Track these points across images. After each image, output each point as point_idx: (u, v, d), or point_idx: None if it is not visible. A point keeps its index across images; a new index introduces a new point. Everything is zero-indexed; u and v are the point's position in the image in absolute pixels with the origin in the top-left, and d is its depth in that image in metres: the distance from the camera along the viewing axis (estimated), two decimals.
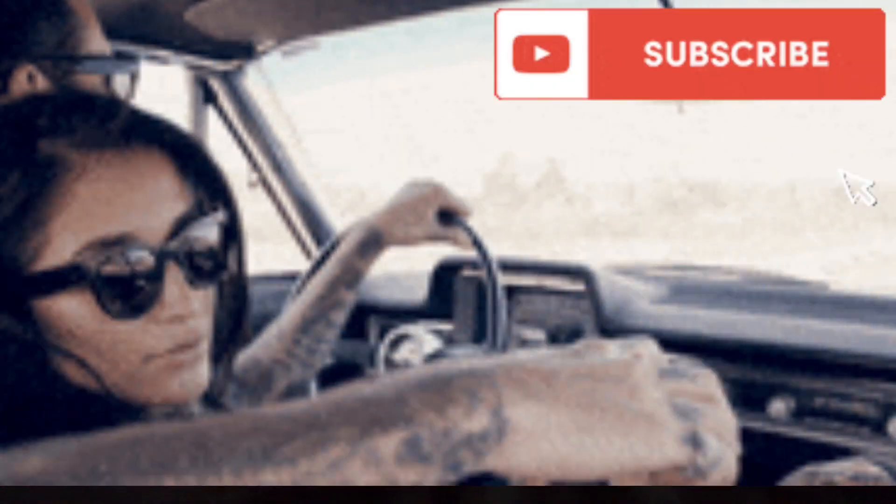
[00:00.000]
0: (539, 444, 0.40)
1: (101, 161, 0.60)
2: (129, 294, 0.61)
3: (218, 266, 0.67)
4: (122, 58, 1.04)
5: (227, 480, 0.36)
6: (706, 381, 0.46)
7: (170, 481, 0.35)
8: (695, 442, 0.43)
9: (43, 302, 0.60)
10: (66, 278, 0.59)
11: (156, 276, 0.61)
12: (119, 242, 0.60)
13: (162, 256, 0.62)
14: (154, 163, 0.63)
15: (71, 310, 0.60)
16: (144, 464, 0.36)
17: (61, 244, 0.59)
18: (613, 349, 0.46)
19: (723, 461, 0.44)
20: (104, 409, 0.62)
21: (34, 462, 0.37)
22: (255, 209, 2.10)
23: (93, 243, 0.59)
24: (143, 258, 0.61)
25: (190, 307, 0.63)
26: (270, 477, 0.36)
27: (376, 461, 0.37)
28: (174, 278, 0.62)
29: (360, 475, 0.37)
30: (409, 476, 0.38)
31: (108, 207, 0.60)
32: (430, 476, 0.38)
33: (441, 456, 0.38)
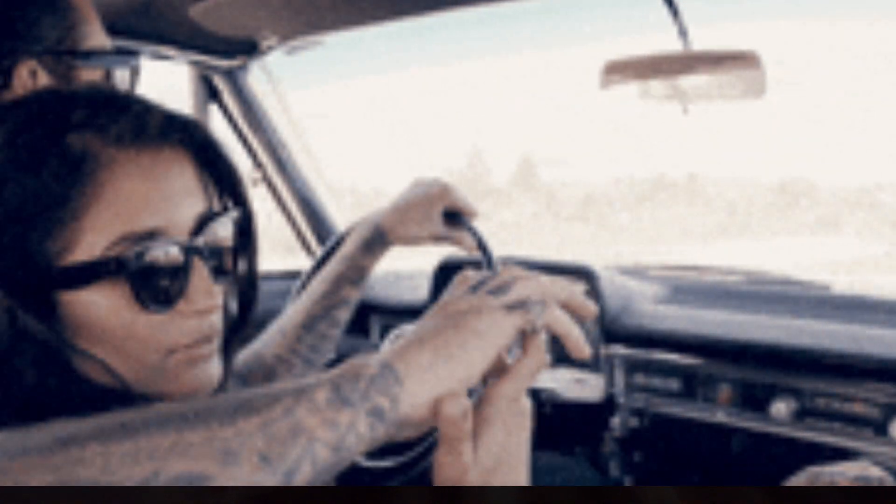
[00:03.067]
0: (425, 374, 0.52)
1: (133, 157, 0.62)
2: (159, 287, 0.62)
3: (233, 263, 0.69)
4: (123, 53, 1.04)
5: (214, 428, 0.46)
6: (505, 270, 0.60)
7: (172, 432, 0.45)
8: (512, 307, 0.56)
9: (71, 295, 0.61)
10: (101, 271, 0.60)
11: (184, 269, 0.63)
12: (150, 237, 0.61)
13: (189, 251, 0.64)
14: (180, 160, 0.65)
15: (97, 303, 0.61)
16: (150, 422, 0.46)
17: (93, 238, 0.60)
18: (457, 289, 0.60)
19: (547, 311, 0.58)
20: (122, 404, 0.63)
21: (55, 429, 0.45)
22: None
23: (126, 237, 0.60)
24: (173, 252, 0.63)
25: (214, 301, 0.65)
26: (243, 424, 0.47)
27: (315, 407, 0.49)
28: (199, 273, 0.64)
29: (307, 418, 0.48)
30: (343, 417, 0.49)
31: (139, 202, 0.61)
32: (359, 418, 0.50)
33: (359, 398, 0.50)
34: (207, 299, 0.64)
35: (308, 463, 0.48)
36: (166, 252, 0.62)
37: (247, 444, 0.46)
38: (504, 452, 0.57)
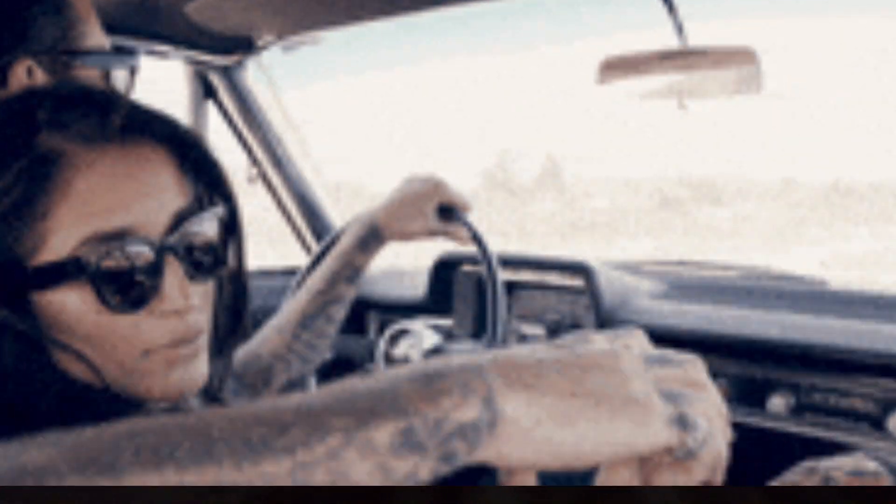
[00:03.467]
0: (530, 433, 0.40)
1: (101, 155, 0.60)
2: (128, 288, 0.61)
3: (217, 261, 0.67)
4: (121, 52, 1.04)
5: (227, 470, 0.36)
6: (693, 368, 0.48)
7: (170, 472, 0.36)
8: (682, 423, 0.43)
9: (43, 295, 0.60)
10: (66, 272, 0.59)
11: (155, 269, 0.62)
12: (119, 236, 0.60)
13: (161, 250, 0.62)
14: (153, 157, 0.63)
15: (70, 303, 0.60)
16: (145, 454, 0.36)
17: (61, 238, 0.59)
18: (601, 340, 0.47)
19: (711, 442, 0.45)
20: (103, 403, 0.62)
21: (33, 454, 0.37)
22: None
23: (93, 237, 0.59)
24: (143, 252, 0.61)
25: (189, 301, 0.63)
26: (269, 467, 0.36)
27: (372, 450, 0.38)
28: (173, 272, 0.63)
29: (356, 464, 0.38)
30: (404, 466, 0.38)
31: (108, 201, 0.60)
32: (424, 466, 0.39)
33: (435, 445, 0.39)
34: (182, 299, 0.63)
35: None
36: (134, 252, 0.60)
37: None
38: None
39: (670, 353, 0.48)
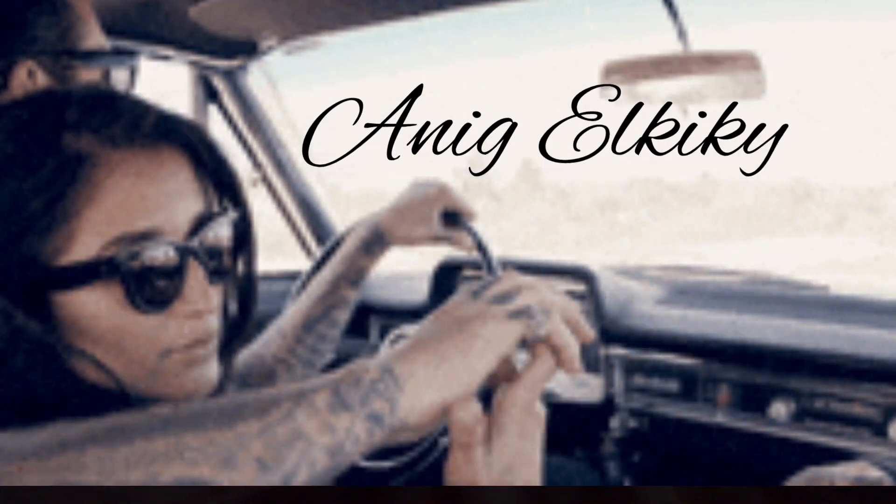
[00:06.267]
0: (424, 379, 0.52)
1: (128, 158, 0.61)
2: (153, 288, 0.62)
3: (231, 264, 0.69)
4: (121, 53, 1.04)
5: (213, 432, 0.46)
6: (507, 277, 0.60)
7: (171, 435, 0.45)
8: (516, 315, 0.56)
9: (65, 297, 0.61)
10: (94, 272, 0.60)
11: (178, 271, 0.63)
12: (144, 238, 0.61)
13: (184, 252, 0.63)
14: (176, 161, 0.64)
15: (93, 304, 0.61)
16: (148, 425, 0.46)
17: (88, 238, 0.60)
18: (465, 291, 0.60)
19: (549, 322, 0.57)
20: (118, 405, 0.62)
21: (53, 431, 0.45)
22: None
23: (121, 238, 0.60)
24: (168, 254, 0.62)
25: (210, 303, 0.65)
26: (242, 428, 0.47)
27: (314, 411, 0.49)
28: (195, 274, 0.64)
29: (306, 423, 0.49)
30: (342, 422, 0.49)
31: (135, 203, 0.61)
32: (358, 424, 0.50)
33: (359, 403, 0.50)
34: (203, 301, 0.64)
35: (305, 468, 0.48)
36: (161, 253, 0.62)
37: (245, 448, 0.46)
38: (517, 457, 0.56)
39: (490, 279, 0.61)
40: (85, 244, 0.60)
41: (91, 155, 0.60)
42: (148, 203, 0.61)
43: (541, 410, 0.58)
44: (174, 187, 0.63)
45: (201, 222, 0.65)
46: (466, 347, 0.54)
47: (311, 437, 0.48)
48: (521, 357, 0.59)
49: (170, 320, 0.63)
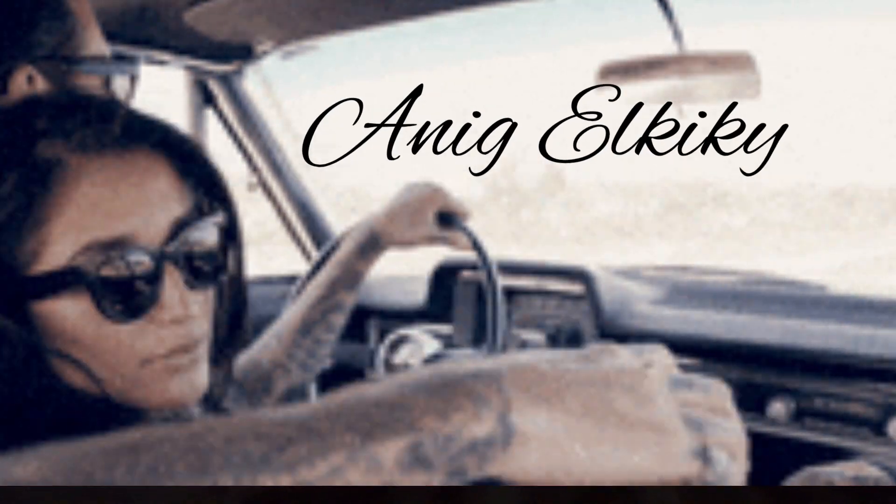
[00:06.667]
0: (546, 451, 0.39)
1: (100, 163, 0.60)
2: (127, 296, 0.60)
3: (217, 268, 0.67)
4: (122, 59, 1.04)
5: (224, 483, 0.35)
6: (718, 393, 0.46)
7: (164, 481, 0.35)
8: (704, 456, 0.42)
9: (41, 304, 0.60)
10: (64, 281, 0.59)
11: (154, 278, 0.61)
12: (117, 245, 0.60)
13: (160, 259, 0.61)
14: (152, 164, 0.63)
15: (69, 312, 0.60)
16: (141, 470, 0.35)
17: (60, 246, 0.59)
18: (624, 355, 0.45)
19: (730, 477, 0.43)
20: (103, 412, 0.62)
21: (30, 467, 0.36)
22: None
23: (91, 245, 0.59)
24: (142, 260, 0.61)
25: (188, 310, 0.63)
26: (269, 484, 0.35)
27: (377, 468, 0.36)
28: (173, 281, 0.62)
29: (360, 480, 0.36)
30: (411, 482, 0.37)
31: (107, 209, 0.59)
32: (433, 482, 0.38)
33: (444, 462, 0.37)
34: (182, 307, 0.62)
35: None
36: (133, 260, 0.60)
37: None
38: None
39: (695, 376, 0.46)
40: (56, 252, 0.59)
41: (61, 161, 0.59)
42: (118, 209, 0.59)
43: None
44: (150, 192, 0.61)
45: (181, 226, 0.63)
46: (619, 450, 0.40)
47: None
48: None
49: (148, 328, 0.62)
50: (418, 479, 0.37)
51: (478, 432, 0.38)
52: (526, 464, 0.38)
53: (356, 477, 0.36)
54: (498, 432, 0.38)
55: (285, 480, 0.35)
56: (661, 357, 0.46)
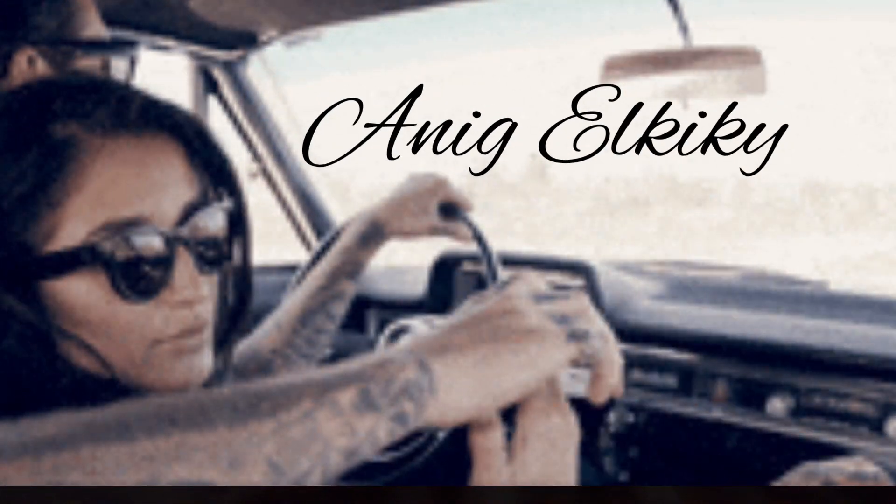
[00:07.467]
0: (460, 382, 0.48)
1: (115, 144, 0.61)
2: (140, 277, 0.61)
3: (224, 254, 0.68)
4: (122, 43, 1.04)
5: (221, 430, 0.42)
6: (576, 297, 0.56)
7: (174, 435, 0.41)
8: (576, 336, 0.53)
9: (53, 284, 0.60)
10: (80, 259, 0.59)
11: (167, 260, 0.62)
12: (132, 225, 0.60)
13: (173, 241, 0.63)
14: (166, 148, 0.64)
15: (81, 292, 0.60)
16: (150, 421, 0.41)
17: (74, 226, 0.59)
18: (492, 295, 0.55)
19: (605, 349, 0.54)
20: (109, 393, 0.62)
21: (49, 426, 0.41)
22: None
23: (106, 225, 0.60)
24: (155, 242, 0.62)
25: (199, 292, 0.64)
26: (255, 427, 0.43)
27: (338, 411, 0.45)
28: (184, 263, 0.63)
29: (326, 423, 0.44)
30: (364, 424, 0.45)
31: (122, 190, 0.60)
32: (381, 425, 0.46)
33: (387, 404, 0.46)
34: (192, 290, 0.63)
35: (319, 470, 0.44)
36: (147, 241, 0.61)
37: (257, 450, 0.42)
38: (547, 470, 0.53)
39: (557, 291, 0.56)
40: (71, 232, 0.59)
41: (77, 142, 0.60)
42: (134, 190, 0.60)
43: (574, 426, 0.55)
44: (163, 174, 0.62)
45: (191, 210, 0.64)
46: (516, 359, 0.50)
47: (330, 438, 0.44)
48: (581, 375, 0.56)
49: (158, 309, 0.63)
50: (370, 420, 0.45)
51: (408, 376, 0.47)
52: (451, 399, 0.48)
53: (322, 418, 0.44)
54: (423, 377, 0.47)
55: (268, 424, 0.43)
56: (522, 283, 0.56)
